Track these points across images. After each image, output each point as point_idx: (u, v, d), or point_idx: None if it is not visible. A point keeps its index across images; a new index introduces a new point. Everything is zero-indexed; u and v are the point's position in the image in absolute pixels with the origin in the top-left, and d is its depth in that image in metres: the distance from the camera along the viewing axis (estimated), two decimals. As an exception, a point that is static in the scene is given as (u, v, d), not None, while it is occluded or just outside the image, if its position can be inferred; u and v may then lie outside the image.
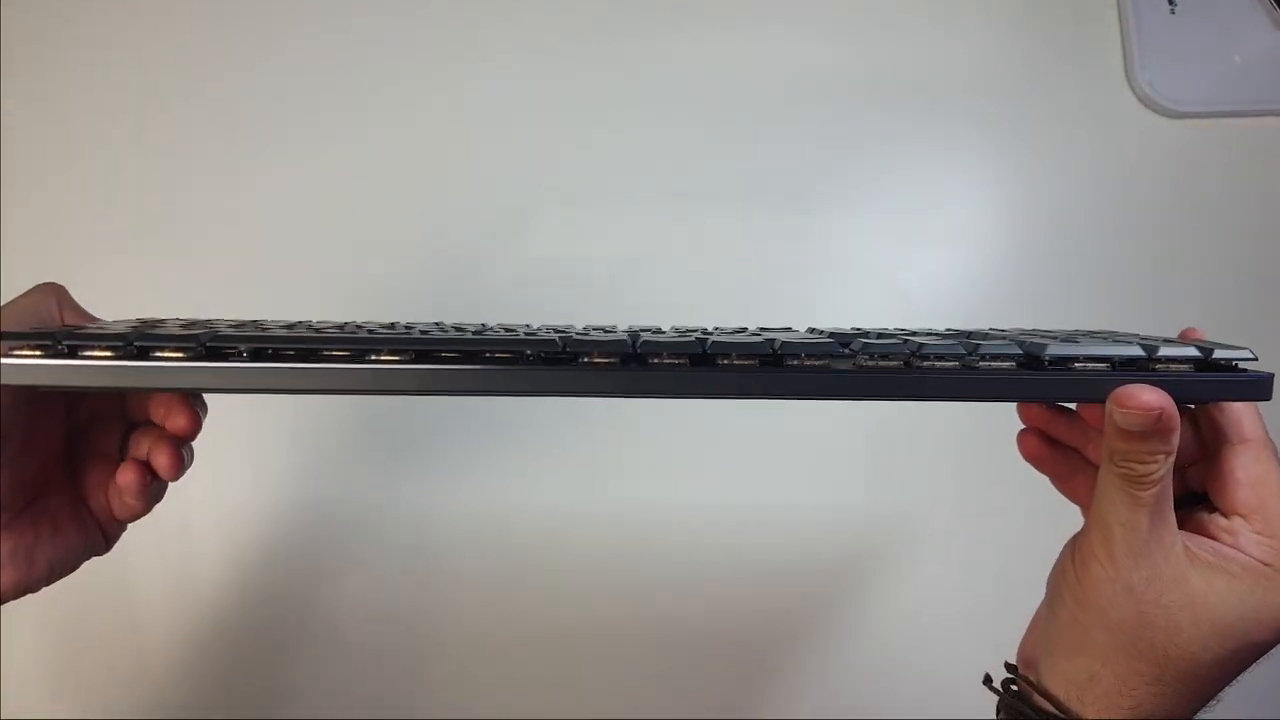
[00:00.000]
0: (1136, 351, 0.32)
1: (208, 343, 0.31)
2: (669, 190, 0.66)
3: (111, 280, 0.59)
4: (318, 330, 0.34)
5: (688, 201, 0.66)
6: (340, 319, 0.39)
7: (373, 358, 0.32)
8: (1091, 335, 0.37)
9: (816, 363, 0.32)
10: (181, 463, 0.38)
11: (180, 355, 0.31)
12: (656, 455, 0.64)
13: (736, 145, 0.66)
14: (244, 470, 0.63)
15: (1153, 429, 0.31)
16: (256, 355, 0.32)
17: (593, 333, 0.35)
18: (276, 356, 0.32)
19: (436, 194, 0.66)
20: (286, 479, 0.63)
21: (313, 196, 0.66)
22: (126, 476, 0.37)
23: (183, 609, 0.62)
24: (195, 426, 0.38)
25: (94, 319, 0.37)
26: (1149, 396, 0.31)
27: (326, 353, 0.32)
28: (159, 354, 0.31)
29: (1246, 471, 0.33)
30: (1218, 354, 0.32)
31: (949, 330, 0.40)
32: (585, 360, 0.32)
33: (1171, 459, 0.31)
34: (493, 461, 0.63)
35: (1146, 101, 0.67)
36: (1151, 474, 0.31)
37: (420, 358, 0.32)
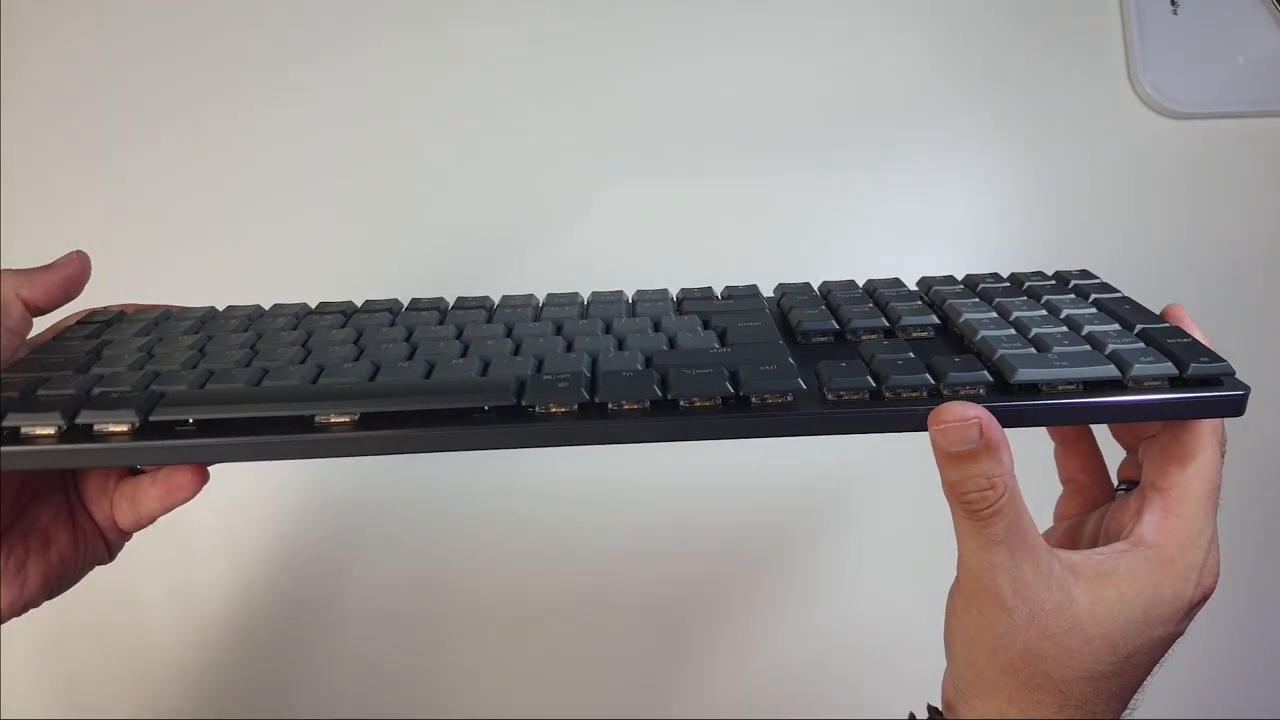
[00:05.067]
0: (1111, 373, 0.31)
1: (150, 417, 0.31)
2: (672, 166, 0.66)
3: (125, 269, 0.59)
4: (258, 388, 0.32)
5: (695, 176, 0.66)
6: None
7: (319, 420, 0.31)
8: (1069, 316, 0.35)
9: (778, 401, 0.31)
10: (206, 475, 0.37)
11: (123, 433, 0.30)
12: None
13: (729, 154, 0.66)
14: (245, 468, 0.63)
15: (980, 446, 0.29)
16: (203, 427, 0.31)
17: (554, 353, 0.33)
18: (224, 426, 0.31)
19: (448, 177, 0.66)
20: (287, 478, 0.63)
21: (318, 189, 0.66)
22: (184, 474, 0.36)
23: (183, 608, 0.62)
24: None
25: (48, 268, 0.36)
26: (967, 409, 0.29)
27: (275, 426, 0.31)
28: (99, 430, 0.31)
29: (1185, 449, 0.32)
30: (1193, 369, 0.31)
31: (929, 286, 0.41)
32: (540, 412, 0.31)
33: (1011, 484, 0.30)
34: (497, 456, 0.63)
35: (1149, 102, 0.67)
36: (991, 503, 0.30)
37: (367, 421, 0.31)
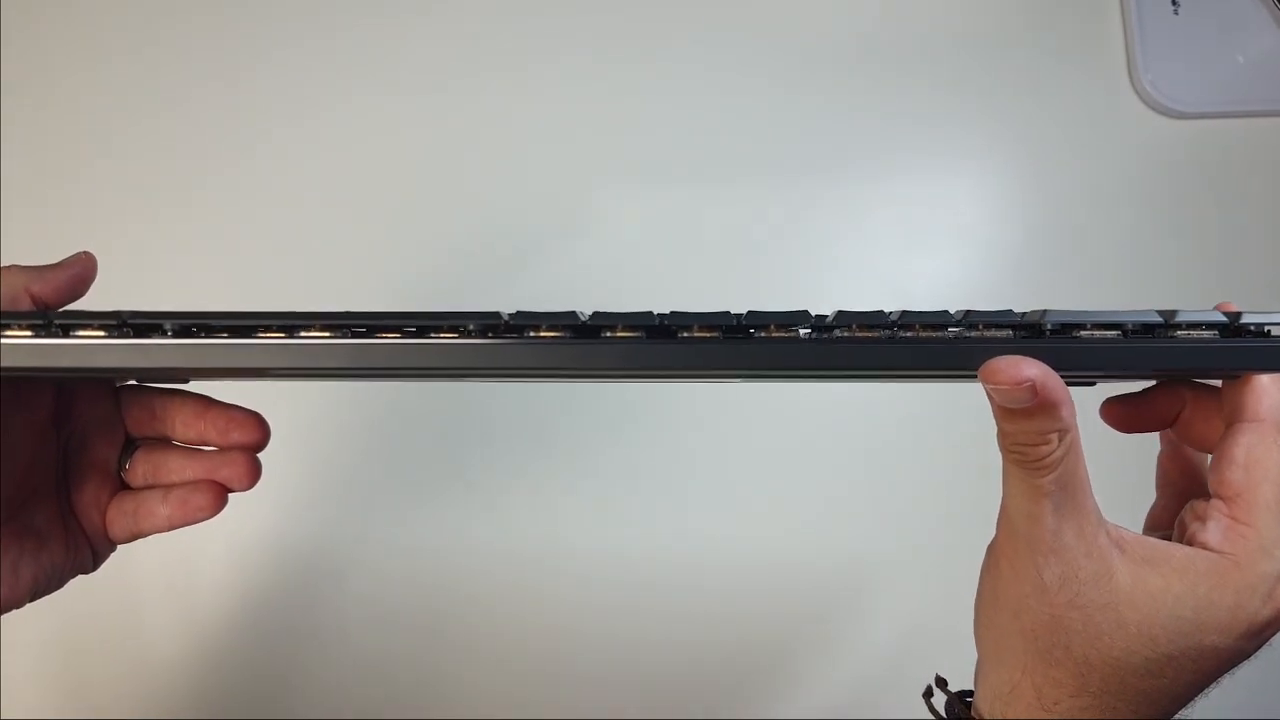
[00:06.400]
0: (1153, 317, 0.28)
1: (130, 320, 0.30)
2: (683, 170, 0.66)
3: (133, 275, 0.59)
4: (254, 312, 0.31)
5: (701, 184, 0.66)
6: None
7: (303, 334, 0.29)
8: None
9: (784, 334, 0.29)
10: (259, 469, 0.37)
11: (102, 333, 0.29)
12: (663, 462, 0.63)
13: (731, 157, 0.66)
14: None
15: (1035, 405, 0.27)
16: (182, 333, 0.29)
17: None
18: (204, 332, 0.30)
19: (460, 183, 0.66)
20: (286, 482, 0.63)
21: (326, 188, 0.66)
22: (204, 496, 0.36)
23: (183, 608, 0.62)
24: (264, 434, 0.37)
25: (58, 266, 0.35)
26: (1021, 370, 0.27)
27: (259, 329, 0.29)
28: (80, 333, 0.30)
29: (1246, 452, 0.29)
30: (1247, 319, 0.28)
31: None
32: (531, 334, 0.29)
33: (1070, 438, 0.28)
34: (494, 465, 0.63)
35: (1149, 102, 0.67)
36: (1045, 457, 0.28)
37: (356, 335, 0.29)
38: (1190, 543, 0.30)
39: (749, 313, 0.29)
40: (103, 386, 0.37)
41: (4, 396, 0.33)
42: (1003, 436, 0.29)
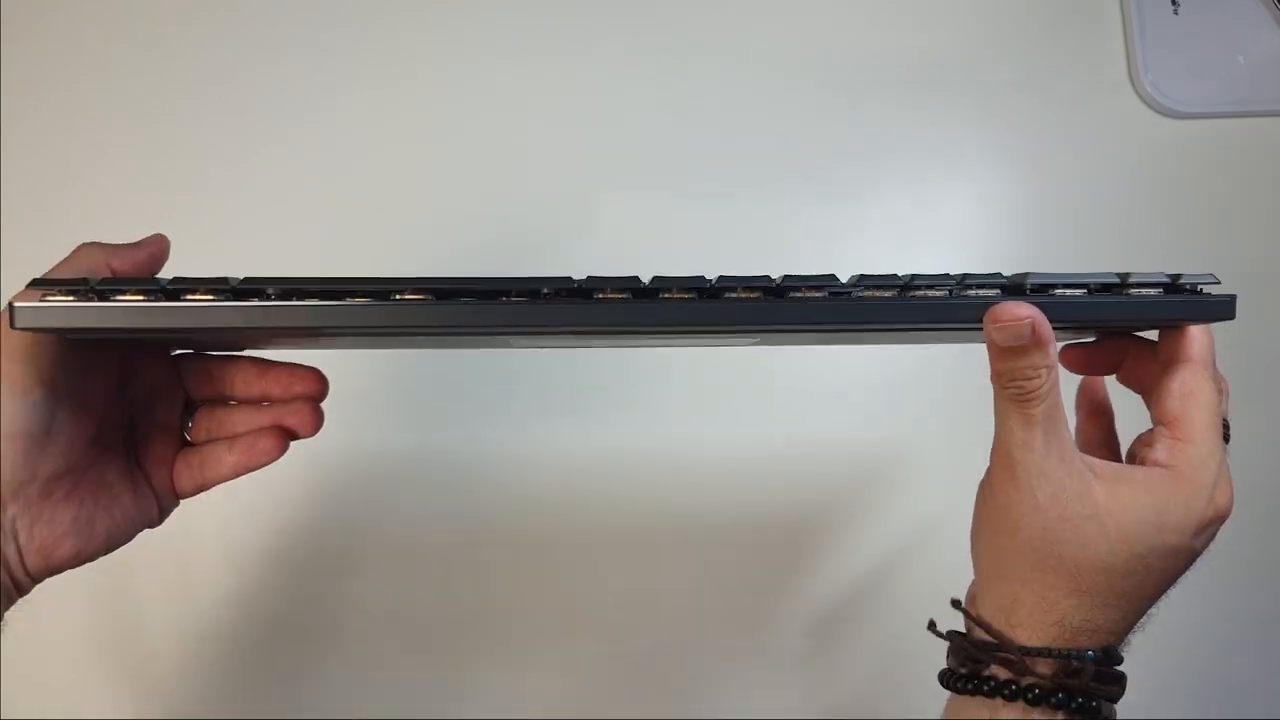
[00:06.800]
0: (1111, 278, 0.35)
1: (236, 285, 0.32)
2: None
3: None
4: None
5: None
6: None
7: (396, 297, 0.32)
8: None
9: (814, 294, 0.34)
10: (322, 416, 0.40)
11: (210, 297, 0.32)
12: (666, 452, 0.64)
13: (733, 157, 0.66)
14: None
15: (1030, 342, 0.33)
16: (285, 296, 0.32)
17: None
18: (304, 296, 0.32)
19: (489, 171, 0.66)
20: (287, 477, 0.63)
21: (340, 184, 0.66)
22: (269, 440, 0.39)
23: (183, 608, 0.62)
24: (325, 386, 0.40)
25: (136, 246, 0.38)
26: (1020, 309, 0.33)
27: (352, 292, 0.32)
28: (189, 296, 0.32)
29: (1181, 385, 0.35)
30: (1184, 279, 0.35)
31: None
32: (599, 296, 0.32)
33: (1054, 374, 0.33)
34: (498, 456, 0.63)
35: (1149, 102, 0.67)
36: (1037, 389, 0.33)
37: (441, 296, 0.32)
38: (1142, 463, 0.35)
39: (785, 276, 0.34)
40: (161, 355, 0.40)
41: (78, 364, 0.35)
42: (999, 376, 0.34)
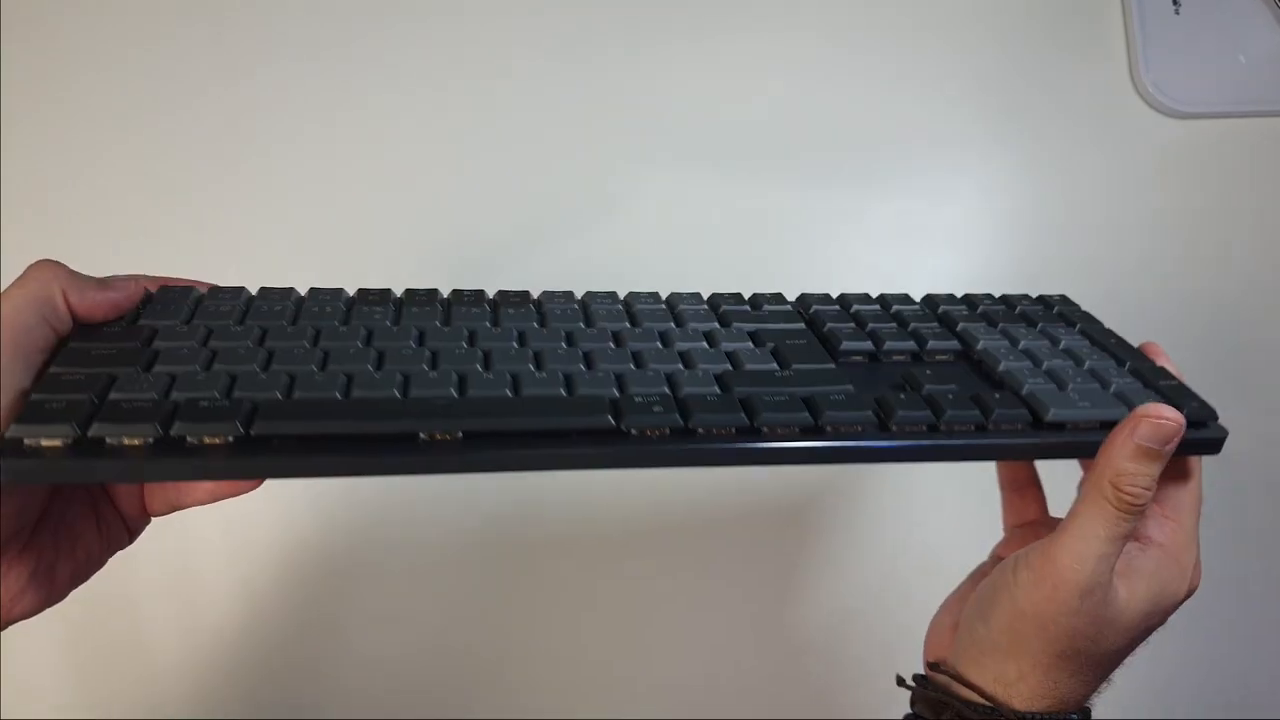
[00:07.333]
0: (1123, 413, 0.35)
1: (250, 431, 0.30)
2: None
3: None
4: (347, 400, 0.32)
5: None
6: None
7: (423, 438, 0.31)
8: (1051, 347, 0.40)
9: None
10: None
11: (221, 446, 0.29)
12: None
13: (734, 156, 0.66)
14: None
15: (1165, 450, 0.33)
16: (303, 449, 0.30)
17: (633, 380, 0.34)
18: (324, 442, 0.30)
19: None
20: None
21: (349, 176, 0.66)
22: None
23: (183, 608, 0.62)
24: None
25: (103, 286, 0.34)
26: (1180, 414, 0.34)
27: (374, 432, 0.30)
28: (194, 444, 0.29)
29: (1176, 470, 0.36)
30: (1188, 412, 0.35)
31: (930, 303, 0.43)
32: (635, 434, 0.32)
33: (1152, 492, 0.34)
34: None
35: (1151, 102, 0.67)
36: (1142, 498, 0.33)
37: (468, 438, 0.31)
38: (1137, 538, 0.36)
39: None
40: None
41: None
42: (1121, 477, 0.33)
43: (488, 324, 0.37)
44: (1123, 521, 0.33)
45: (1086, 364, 0.38)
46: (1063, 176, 0.67)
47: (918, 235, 0.66)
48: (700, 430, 0.32)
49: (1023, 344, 0.39)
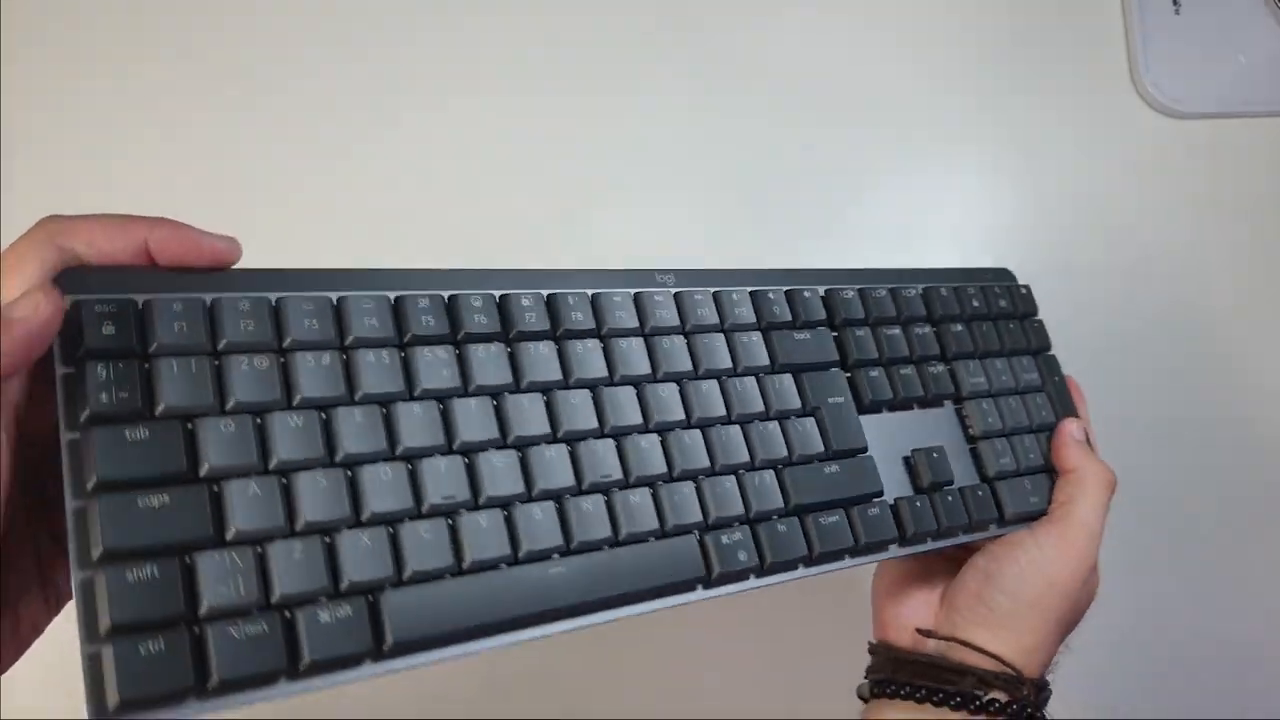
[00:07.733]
0: (1040, 508, 0.42)
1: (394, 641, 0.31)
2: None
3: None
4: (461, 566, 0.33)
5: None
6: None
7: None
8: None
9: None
10: None
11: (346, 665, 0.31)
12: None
13: (734, 154, 0.66)
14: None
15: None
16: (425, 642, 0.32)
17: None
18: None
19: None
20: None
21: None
22: None
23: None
24: None
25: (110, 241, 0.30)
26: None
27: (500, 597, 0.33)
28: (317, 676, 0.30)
29: (1076, 461, 0.43)
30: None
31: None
32: (722, 573, 0.35)
33: None
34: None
35: (1151, 102, 0.67)
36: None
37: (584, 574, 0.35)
38: (1061, 507, 0.42)
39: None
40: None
41: None
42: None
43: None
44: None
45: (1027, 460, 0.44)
46: (1062, 175, 0.67)
47: (916, 235, 0.66)
48: (772, 560, 0.36)
49: (1007, 433, 0.44)
